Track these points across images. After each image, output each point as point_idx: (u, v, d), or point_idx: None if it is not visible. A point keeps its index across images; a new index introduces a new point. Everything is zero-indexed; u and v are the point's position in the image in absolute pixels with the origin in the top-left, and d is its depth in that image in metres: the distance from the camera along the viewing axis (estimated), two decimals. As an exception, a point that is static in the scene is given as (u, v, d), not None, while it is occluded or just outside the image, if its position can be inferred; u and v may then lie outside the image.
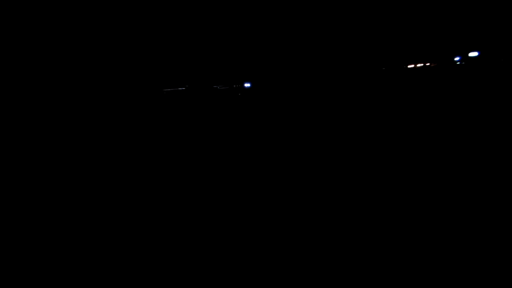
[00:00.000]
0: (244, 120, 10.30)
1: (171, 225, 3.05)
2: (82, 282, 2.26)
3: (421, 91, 14.32)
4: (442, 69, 47.32)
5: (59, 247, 2.88)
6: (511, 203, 2.72)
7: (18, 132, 10.48)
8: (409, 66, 62.04)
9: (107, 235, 2.72)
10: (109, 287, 2.18)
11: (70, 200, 3.79)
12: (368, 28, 58.75)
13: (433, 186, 3.46)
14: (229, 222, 2.99)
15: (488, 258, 2.11)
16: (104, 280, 2.26)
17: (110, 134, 9.39)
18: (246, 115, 11.43)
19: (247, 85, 24.45)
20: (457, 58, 59.71)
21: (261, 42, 40.89)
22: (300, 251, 2.36)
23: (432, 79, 23.01)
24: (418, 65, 61.66)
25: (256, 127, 8.67)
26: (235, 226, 2.87)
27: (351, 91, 17.71)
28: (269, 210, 3.20)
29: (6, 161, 7.01)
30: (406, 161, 4.22)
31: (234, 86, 26.34)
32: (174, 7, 36.80)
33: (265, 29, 42.79)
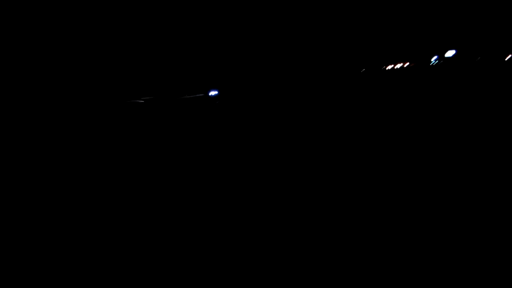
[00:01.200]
0: (212, 127, 9.87)
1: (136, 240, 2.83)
2: (82, 282, 2.27)
3: (401, 91, 14.42)
4: (420, 68, 47.82)
5: (58, 248, 2.85)
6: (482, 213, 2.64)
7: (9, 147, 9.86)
8: (388, 67, 62.45)
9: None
10: (108, 287, 2.19)
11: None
12: (346, 30, 58.87)
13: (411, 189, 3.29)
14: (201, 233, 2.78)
15: (487, 258, 2.07)
16: (103, 280, 2.27)
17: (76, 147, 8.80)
18: (215, 123, 11.10)
19: (213, 93, 23.37)
20: (434, 58, 60.64)
21: (227, 52, 40.24)
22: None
23: (411, 79, 24.01)
24: (397, 65, 62.11)
25: (225, 134, 8.26)
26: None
27: (328, 94, 17.43)
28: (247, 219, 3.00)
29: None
30: (383, 167, 4.01)
31: (202, 94, 25.46)
32: (143, 25, 35.74)
33: (232, 40, 42.20)
